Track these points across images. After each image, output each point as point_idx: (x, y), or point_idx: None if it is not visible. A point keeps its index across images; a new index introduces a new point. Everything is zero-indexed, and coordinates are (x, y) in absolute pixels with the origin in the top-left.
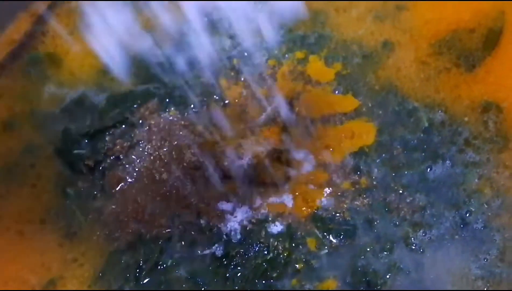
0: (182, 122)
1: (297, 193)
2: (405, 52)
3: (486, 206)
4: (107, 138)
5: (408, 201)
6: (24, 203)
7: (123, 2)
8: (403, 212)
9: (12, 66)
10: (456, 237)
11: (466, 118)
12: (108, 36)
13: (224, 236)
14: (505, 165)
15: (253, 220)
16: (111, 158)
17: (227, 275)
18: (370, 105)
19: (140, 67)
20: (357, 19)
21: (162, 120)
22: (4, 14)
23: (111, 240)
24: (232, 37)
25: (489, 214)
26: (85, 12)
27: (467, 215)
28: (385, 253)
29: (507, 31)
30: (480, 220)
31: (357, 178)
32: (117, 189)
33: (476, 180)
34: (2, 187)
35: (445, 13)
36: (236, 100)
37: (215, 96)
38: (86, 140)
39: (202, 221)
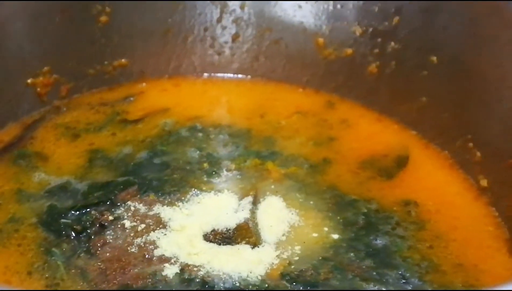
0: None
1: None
2: (340, 165)
3: (417, 267)
4: (92, 212)
5: (356, 264)
6: (11, 259)
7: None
8: (356, 271)
9: (3, 158)
10: (399, 287)
11: (394, 208)
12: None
13: (209, 284)
14: (424, 239)
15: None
16: (97, 226)
17: None
18: (321, 199)
19: (120, 165)
20: (300, 144)
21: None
22: None
23: (97, 289)
24: (199, 149)
25: (421, 272)
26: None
27: (406, 273)
28: None
29: (411, 157)
30: (416, 276)
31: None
32: (101, 250)
33: (406, 249)
34: None
35: (364, 144)
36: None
37: (188, 188)
38: (73, 212)
39: (185, 275)
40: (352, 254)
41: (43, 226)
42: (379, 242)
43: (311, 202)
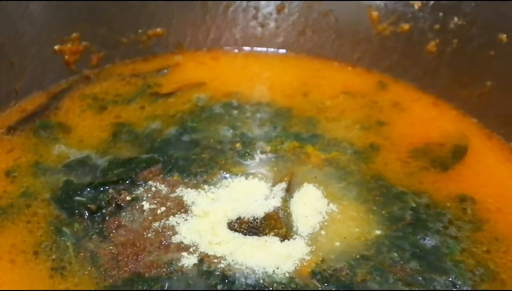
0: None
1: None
2: (389, 153)
3: (471, 273)
4: (110, 190)
5: (399, 266)
6: (18, 236)
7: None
8: (399, 274)
9: (24, 128)
10: None
11: (448, 204)
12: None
13: (229, 278)
14: (481, 242)
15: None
16: (113, 205)
17: None
18: (364, 190)
19: (145, 141)
20: (345, 127)
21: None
22: (21, 92)
23: (107, 276)
24: (233, 128)
25: (475, 280)
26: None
27: (457, 280)
28: None
29: (470, 147)
30: (469, 284)
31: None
32: (115, 233)
33: (459, 252)
34: None
35: (417, 130)
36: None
37: (216, 170)
38: (89, 189)
39: (204, 267)
40: (395, 254)
41: (56, 203)
42: (428, 242)
43: (353, 192)
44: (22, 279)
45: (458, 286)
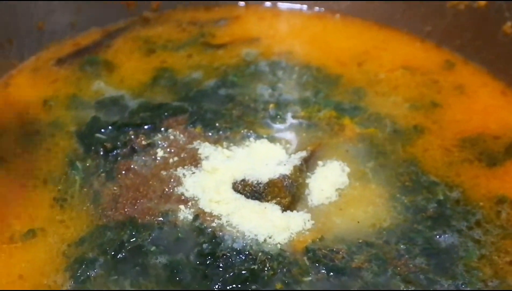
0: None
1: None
2: (433, 138)
3: (482, 284)
4: (130, 132)
5: (404, 260)
6: (35, 163)
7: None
8: (400, 268)
9: (73, 62)
10: None
11: (481, 204)
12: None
13: (217, 239)
14: (506, 251)
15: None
16: (128, 148)
17: (206, 272)
18: (393, 173)
19: (182, 90)
20: (393, 103)
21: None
22: (78, 26)
23: (102, 216)
24: (273, 88)
25: None
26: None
27: (464, 288)
28: None
29: None
30: None
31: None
32: (123, 175)
33: (477, 258)
34: (19, 148)
35: (474, 118)
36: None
37: (242, 128)
38: (111, 127)
39: (197, 223)
40: (403, 247)
41: (78, 137)
42: (445, 240)
43: (381, 175)
44: (25, 203)
45: None
